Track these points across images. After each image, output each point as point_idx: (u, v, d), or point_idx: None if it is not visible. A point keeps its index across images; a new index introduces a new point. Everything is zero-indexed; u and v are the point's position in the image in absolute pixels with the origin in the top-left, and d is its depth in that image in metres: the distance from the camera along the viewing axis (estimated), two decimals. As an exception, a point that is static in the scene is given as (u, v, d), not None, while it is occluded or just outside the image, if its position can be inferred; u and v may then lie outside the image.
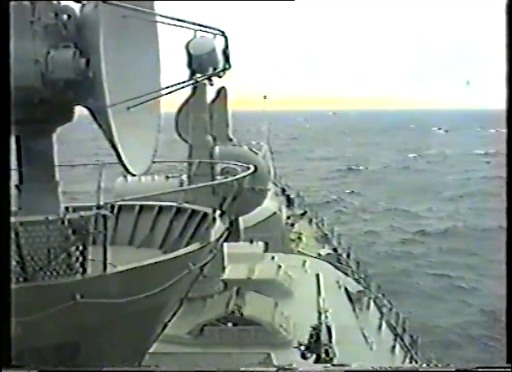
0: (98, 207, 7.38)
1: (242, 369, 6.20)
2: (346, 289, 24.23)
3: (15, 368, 5.82)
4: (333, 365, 14.10)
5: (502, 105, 6.08)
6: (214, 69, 15.05)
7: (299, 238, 34.68)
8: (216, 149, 18.96)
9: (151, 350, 10.05)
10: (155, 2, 8.63)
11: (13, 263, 7.00)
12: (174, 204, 10.97)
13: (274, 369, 6.20)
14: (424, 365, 18.48)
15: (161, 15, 8.43)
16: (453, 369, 6.27)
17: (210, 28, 8.31)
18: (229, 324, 18.27)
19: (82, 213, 7.39)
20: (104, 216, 7.32)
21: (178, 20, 8.20)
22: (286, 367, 6.15)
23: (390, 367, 6.33)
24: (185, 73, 16.85)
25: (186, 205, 10.91)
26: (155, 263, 8.06)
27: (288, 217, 37.45)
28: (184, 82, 9.17)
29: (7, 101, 5.65)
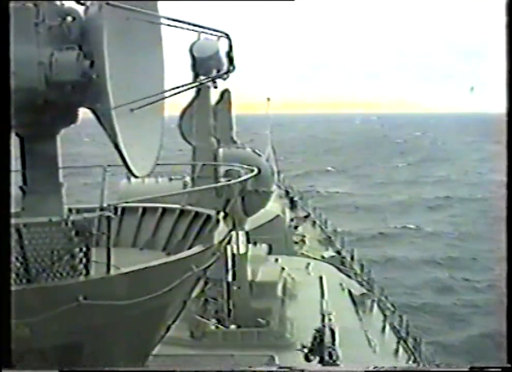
0: (101, 209, 7.39)
1: (246, 368, 6.21)
2: (349, 292, 24.27)
3: (15, 368, 5.83)
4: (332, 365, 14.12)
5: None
6: (218, 71, 15.11)
7: (303, 240, 34.69)
8: (220, 151, 18.97)
9: (154, 352, 10.05)
10: (159, 4, 8.63)
11: (17, 264, 7.02)
12: (177, 206, 10.97)
13: (278, 369, 6.21)
14: (426, 366, 18.54)
15: (165, 17, 8.44)
16: (453, 370, 6.28)
17: (214, 30, 8.32)
18: (232, 326, 18.32)
19: (85, 214, 7.41)
20: (108, 218, 7.33)
21: (182, 22, 8.22)
22: (291, 367, 6.16)
23: (394, 367, 6.33)
24: (189, 75, 16.95)
25: (189, 207, 10.91)
26: (158, 265, 8.06)
27: (291, 220, 37.47)
28: (188, 84, 9.18)
29: (7, 102, 5.65)
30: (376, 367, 6.21)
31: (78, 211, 9.19)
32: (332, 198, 78.24)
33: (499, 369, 5.88)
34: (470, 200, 78.79)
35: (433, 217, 66.48)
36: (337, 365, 15.16)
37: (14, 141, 7.96)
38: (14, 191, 6.79)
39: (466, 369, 5.96)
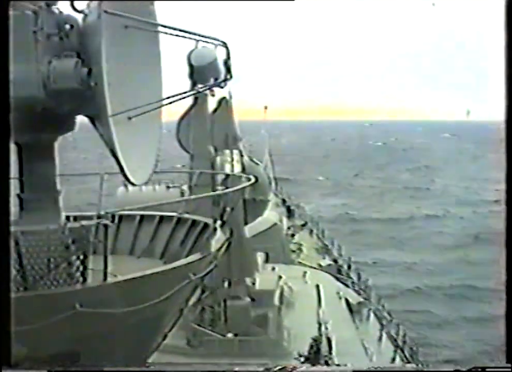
0: (99, 216, 7.39)
1: (243, 368, 6.20)
2: (346, 300, 24.23)
3: (15, 368, 5.82)
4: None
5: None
6: (216, 79, 15.16)
7: (300, 249, 34.65)
8: (217, 159, 19.00)
9: (150, 360, 10.03)
10: (157, 13, 8.66)
11: (14, 272, 7.01)
12: (175, 214, 10.97)
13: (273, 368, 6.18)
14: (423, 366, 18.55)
15: (163, 26, 8.47)
16: (453, 370, 6.27)
17: (211, 38, 8.35)
18: (229, 335, 18.28)
19: (83, 222, 7.41)
20: (105, 226, 7.33)
21: (180, 30, 8.24)
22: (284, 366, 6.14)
23: (392, 367, 6.31)
24: (187, 83, 17.00)
25: (187, 215, 10.91)
26: (155, 273, 8.06)
27: (288, 228, 37.41)
28: (186, 92, 9.19)
29: (6, 108, 5.65)
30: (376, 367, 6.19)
31: (76, 218, 9.19)
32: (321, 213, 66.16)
33: (499, 369, 5.87)
34: (472, 213, 75.68)
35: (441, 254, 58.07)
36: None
37: (12, 149, 7.98)
38: (12, 198, 6.79)
39: (466, 369, 5.96)
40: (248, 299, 19.26)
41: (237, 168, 18.74)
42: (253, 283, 20.28)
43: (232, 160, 18.81)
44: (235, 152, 19.26)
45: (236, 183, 11.78)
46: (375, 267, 47.88)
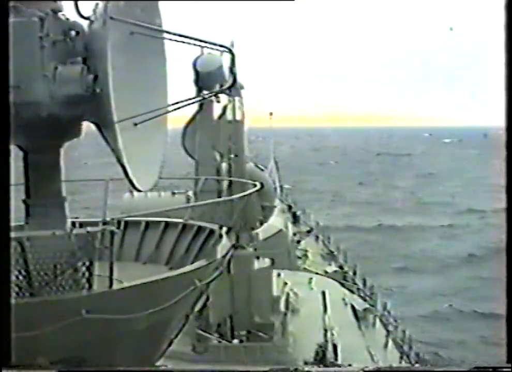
0: (105, 223, 7.38)
1: (239, 369, 6.16)
2: (352, 306, 24.22)
3: (15, 368, 5.80)
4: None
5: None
6: (221, 86, 15.19)
7: (305, 255, 34.66)
8: (223, 165, 19.02)
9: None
10: (163, 19, 8.68)
11: (20, 277, 7.03)
12: (180, 220, 10.96)
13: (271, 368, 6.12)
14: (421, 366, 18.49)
15: (168, 32, 8.48)
16: (452, 370, 6.22)
17: (217, 45, 8.36)
18: (235, 341, 18.27)
19: (89, 228, 7.40)
20: (111, 232, 7.33)
21: (186, 37, 8.26)
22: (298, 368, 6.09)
23: (392, 366, 6.26)
24: (192, 89, 17.03)
25: (192, 221, 10.90)
26: (161, 279, 8.06)
27: (294, 234, 37.40)
28: (191, 99, 9.19)
29: (7, 114, 5.64)
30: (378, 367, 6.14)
31: (82, 224, 9.20)
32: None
33: (499, 369, 5.82)
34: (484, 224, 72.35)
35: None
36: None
37: (18, 154, 8.00)
38: (18, 204, 6.80)
39: (466, 369, 5.91)
40: (251, 248, 19.38)
41: (238, 116, 18.85)
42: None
43: (234, 107, 18.88)
44: (237, 98, 19.27)
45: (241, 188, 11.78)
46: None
